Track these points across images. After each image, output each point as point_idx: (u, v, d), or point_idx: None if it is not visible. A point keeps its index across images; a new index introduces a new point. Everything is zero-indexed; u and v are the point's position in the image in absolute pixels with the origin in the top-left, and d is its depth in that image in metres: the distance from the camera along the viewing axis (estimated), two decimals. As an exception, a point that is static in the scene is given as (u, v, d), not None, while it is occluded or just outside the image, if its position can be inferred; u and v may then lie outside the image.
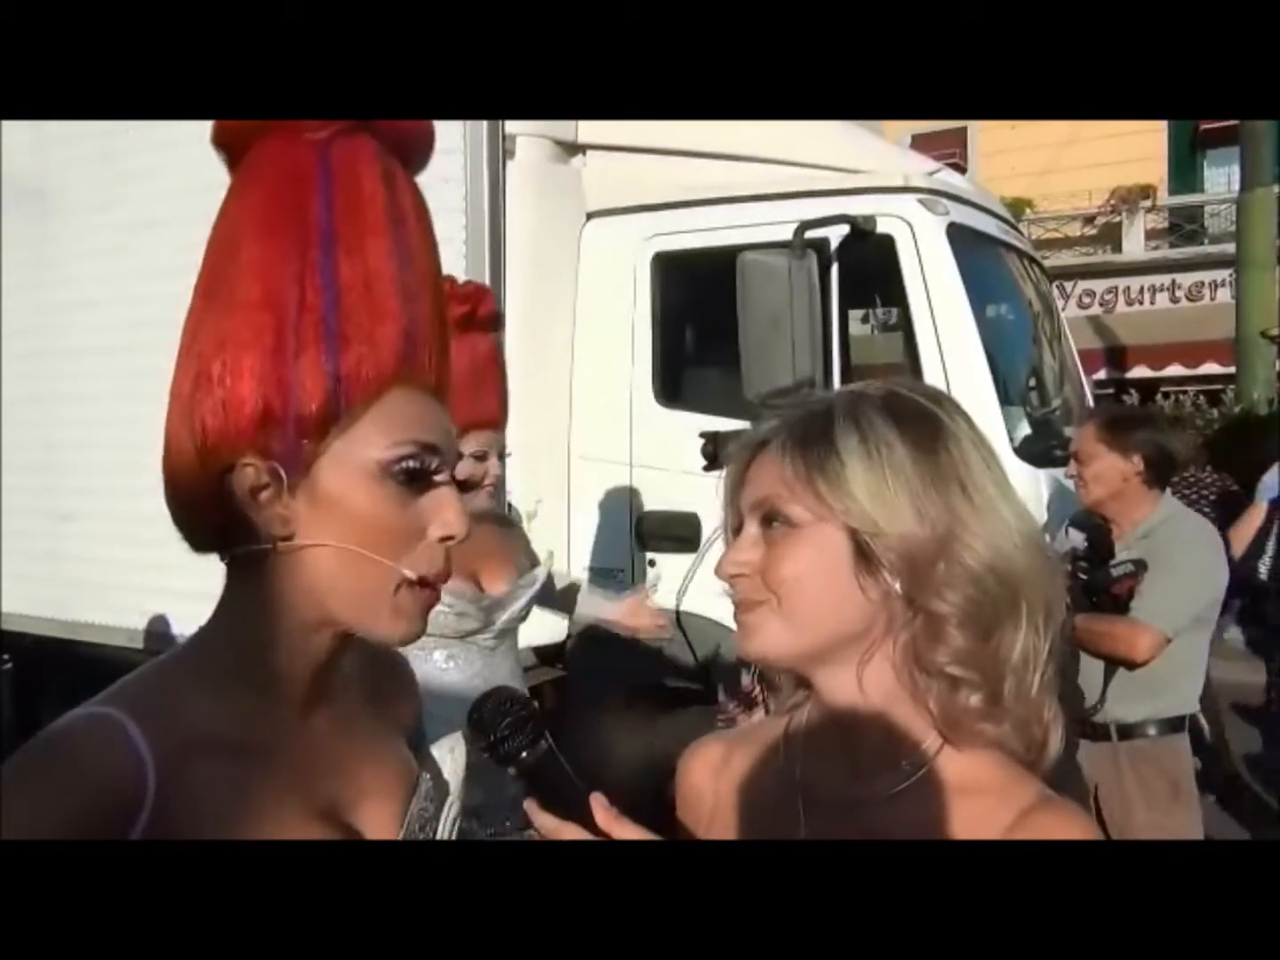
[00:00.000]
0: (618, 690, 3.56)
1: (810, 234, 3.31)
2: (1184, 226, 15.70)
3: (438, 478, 0.77)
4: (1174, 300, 15.14)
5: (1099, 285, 15.41)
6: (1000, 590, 0.88)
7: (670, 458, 3.61)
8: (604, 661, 3.61)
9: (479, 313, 1.95)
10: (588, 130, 3.83)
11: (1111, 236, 16.08)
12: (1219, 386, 11.30)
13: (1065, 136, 14.71)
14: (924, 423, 0.90)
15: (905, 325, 3.58)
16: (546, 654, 3.68)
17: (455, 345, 0.82)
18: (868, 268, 3.67)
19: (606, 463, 3.82)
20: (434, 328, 0.77)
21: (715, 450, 3.26)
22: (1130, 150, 14.96)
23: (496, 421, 2.04)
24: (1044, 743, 0.92)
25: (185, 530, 0.78)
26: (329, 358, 0.72)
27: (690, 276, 3.81)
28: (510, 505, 3.11)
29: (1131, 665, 2.66)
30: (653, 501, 3.76)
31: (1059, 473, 3.31)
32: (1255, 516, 4.61)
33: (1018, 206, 13.46)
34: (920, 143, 10.10)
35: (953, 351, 3.43)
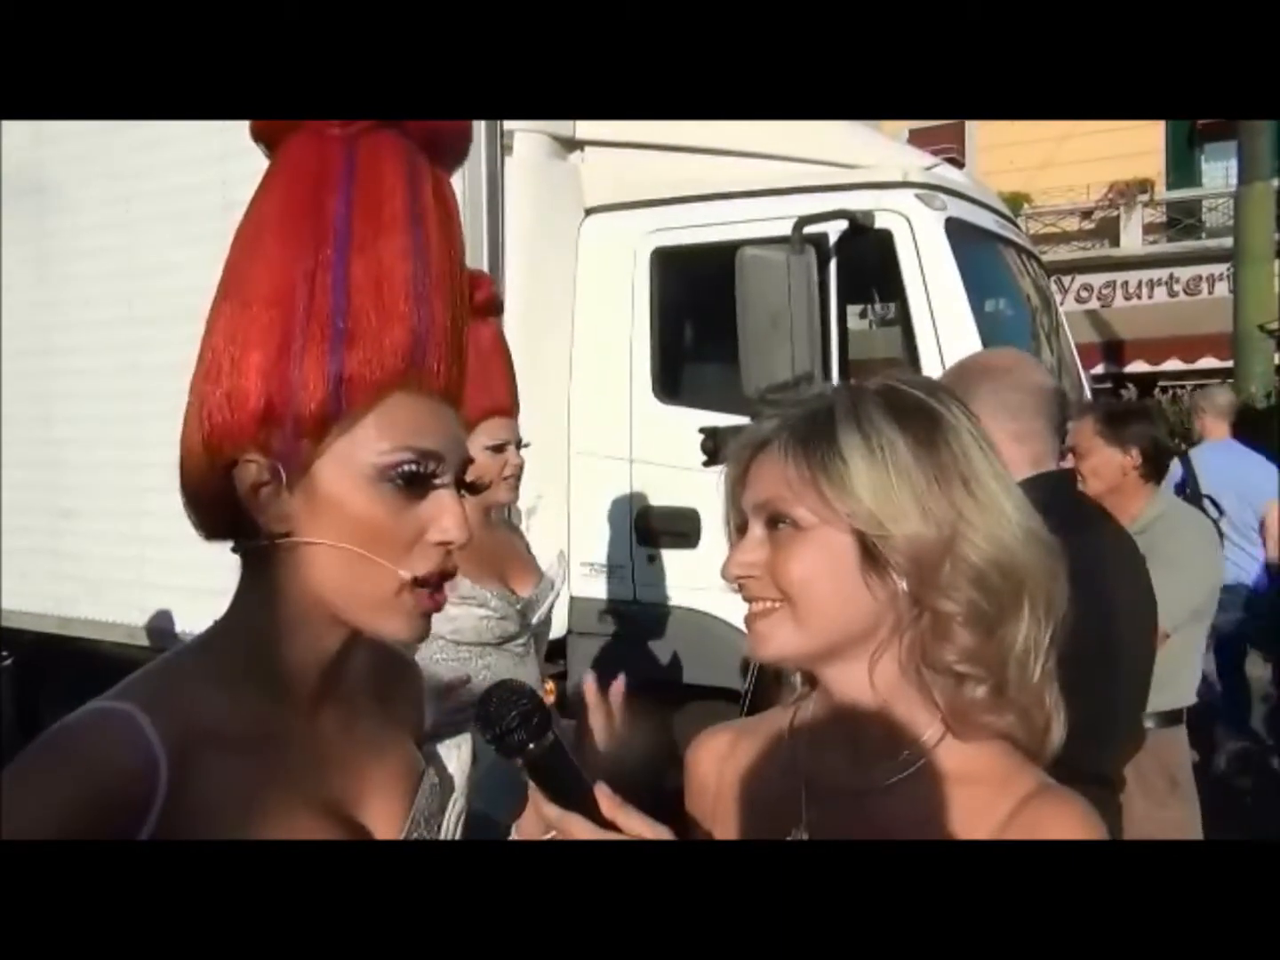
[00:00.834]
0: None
1: (809, 229, 3.31)
2: (1182, 221, 15.65)
3: (438, 482, 0.76)
4: (1172, 295, 15.09)
5: (1097, 279, 15.36)
6: (1004, 584, 0.88)
7: (670, 453, 3.61)
8: (605, 657, 3.62)
9: (477, 298, 1.87)
10: (586, 126, 3.82)
11: (1109, 231, 16.03)
12: (1217, 381, 11.28)
13: (1063, 131, 14.66)
14: (924, 418, 0.90)
15: (904, 320, 3.58)
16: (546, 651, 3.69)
17: None
18: (866, 263, 3.66)
19: (606, 458, 3.83)
20: (447, 330, 0.76)
21: (715, 446, 3.27)
22: (1128, 145, 14.90)
23: (507, 408, 1.98)
24: (1046, 729, 0.92)
25: (195, 518, 0.78)
26: (333, 358, 0.72)
27: (689, 272, 3.80)
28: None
29: (1130, 660, 2.67)
30: (652, 497, 3.76)
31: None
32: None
33: (1015, 201, 13.44)
34: (918, 137, 10.06)
35: (951, 346, 3.42)
